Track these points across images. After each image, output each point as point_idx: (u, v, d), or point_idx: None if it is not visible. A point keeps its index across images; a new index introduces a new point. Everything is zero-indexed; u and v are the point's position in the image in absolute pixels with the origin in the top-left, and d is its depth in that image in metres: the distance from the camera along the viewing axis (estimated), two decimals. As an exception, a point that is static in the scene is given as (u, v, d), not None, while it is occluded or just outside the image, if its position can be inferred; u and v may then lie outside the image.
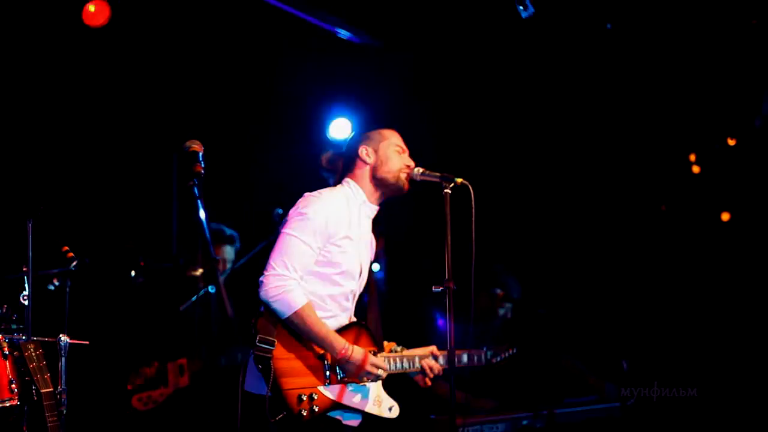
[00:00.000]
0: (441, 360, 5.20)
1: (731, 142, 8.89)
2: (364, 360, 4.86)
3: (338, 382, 4.90)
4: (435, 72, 8.73)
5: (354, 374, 4.88)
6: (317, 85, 8.66)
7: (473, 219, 5.04)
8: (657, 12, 7.90)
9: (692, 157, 8.98)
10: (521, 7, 7.50)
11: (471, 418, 6.50)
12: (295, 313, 4.74)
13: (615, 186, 8.62)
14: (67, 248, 5.68)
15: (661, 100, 8.57)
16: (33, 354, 5.26)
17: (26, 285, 6.43)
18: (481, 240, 5.03)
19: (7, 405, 6.18)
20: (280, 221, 7.84)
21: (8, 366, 6.42)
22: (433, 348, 5.24)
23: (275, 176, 8.52)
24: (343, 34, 8.44)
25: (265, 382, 4.69)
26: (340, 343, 4.84)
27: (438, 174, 5.20)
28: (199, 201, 4.16)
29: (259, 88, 8.47)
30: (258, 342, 4.72)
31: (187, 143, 4.44)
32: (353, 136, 5.40)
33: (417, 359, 5.16)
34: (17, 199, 5.73)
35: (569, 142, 8.79)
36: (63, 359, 6.12)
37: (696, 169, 8.96)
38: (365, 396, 4.99)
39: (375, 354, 5.01)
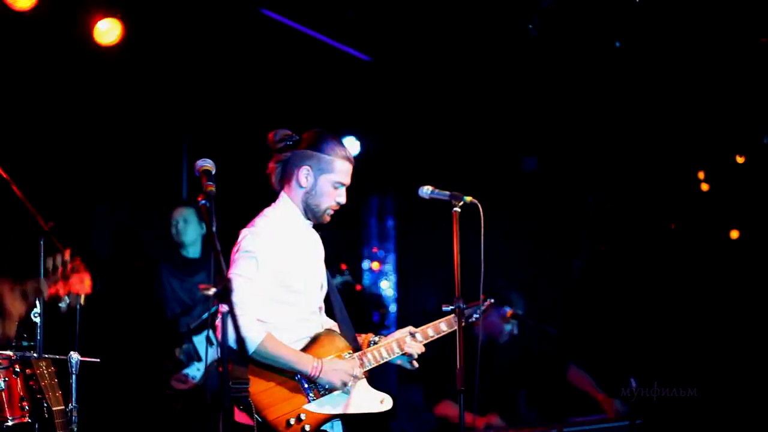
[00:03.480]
0: (419, 336, 5.18)
1: (740, 160, 8.89)
2: (337, 369, 4.87)
3: (321, 396, 4.89)
4: (440, 88, 8.75)
5: (333, 385, 4.87)
6: (326, 101, 8.69)
7: (482, 236, 5.04)
8: (665, 29, 7.91)
9: (701, 175, 8.99)
10: (531, 27, 7.52)
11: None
12: (257, 349, 4.71)
13: (624, 203, 8.62)
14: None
15: (670, 117, 8.58)
16: (44, 371, 5.27)
17: (37, 303, 6.46)
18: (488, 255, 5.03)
19: (18, 422, 6.21)
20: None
21: (19, 384, 6.44)
22: (410, 328, 5.21)
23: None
24: (354, 51, 8.47)
25: (251, 419, 4.70)
26: (308, 362, 4.83)
27: (447, 192, 5.20)
28: (211, 220, 4.14)
29: (266, 104, 8.50)
30: (233, 384, 4.68)
31: (199, 162, 4.43)
32: (310, 142, 5.11)
33: (395, 345, 5.11)
34: (29, 216, 5.73)
35: (578, 159, 8.81)
36: (74, 377, 6.14)
37: (705, 186, 8.96)
38: (354, 398, 4.98)
39: (351, 354, 5.01)
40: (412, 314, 8.86)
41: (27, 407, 6.31)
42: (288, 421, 4.76)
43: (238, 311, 4.49)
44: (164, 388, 7.27)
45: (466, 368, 4.89)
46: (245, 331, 4.63)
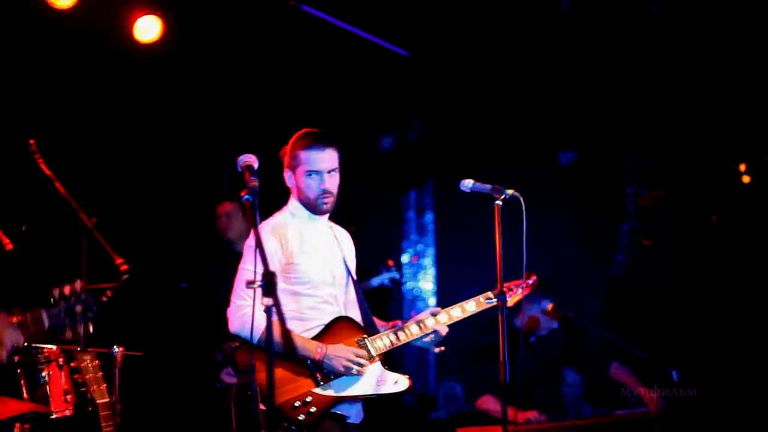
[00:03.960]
0: (443, 318, 5.20)
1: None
2: (340, 355, 4.91)
3: (331, 380, 4.95)
4: (478, 80, 8.73)
5: (336, 370, 4.92)
6: (363, 97, 8.70)
7: (525, 231, 5.04)
8: (706, 20, 7.85)
9: (742, 167, 8.91)
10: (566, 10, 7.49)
11: (518, 427, 6.48)
12: (261, 336, 4.77)
13: (665, 196, 8.57)
14: (121, 260, 5.73)
15: (710, 109, 8.52)
16: (89, 365, 5.31)
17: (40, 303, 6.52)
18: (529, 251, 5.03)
19: (63, 415, 6.28)
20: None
21: (63, 377, 6.52)
22: (432, 309, 5.25)
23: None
24: (391, 46, 8.47)
25: (261, 403, 4.77)
26: (312, 347, 4.91)
27: (489, 186, 5.20)
28: (254, 214, 4.17)
29: (306, 100, 8.52)
30: (240, 371, 4.85)
31: (242, 157, 4.48)
32: (284, 149, 5.35)
33: (414, 326, 5.14)
34: (72, 212, 5.79)
35: (615, 151, 8.76)
36: (117, 370, 6.20)
37: (746, 179, 8.89)
38: (365, 381, 5.02)
39: (362, 340, 5.05)
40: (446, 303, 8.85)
41: (71, 400, 6.40)
42: (294, 404, 4.83)
43: (240, 302, 4.90)
44: (213, 381, 7.31)
45: (506, 362, 4.88)
46: (247, 320, 4.76)
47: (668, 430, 6.82)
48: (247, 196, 4.26)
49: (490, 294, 5.23)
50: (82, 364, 5.37)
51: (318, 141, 5.21)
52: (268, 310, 3.85)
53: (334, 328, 5.06)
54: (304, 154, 5.17)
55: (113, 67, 7.90)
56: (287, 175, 5.27)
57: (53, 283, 6.40)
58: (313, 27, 8.01)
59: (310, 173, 5.17)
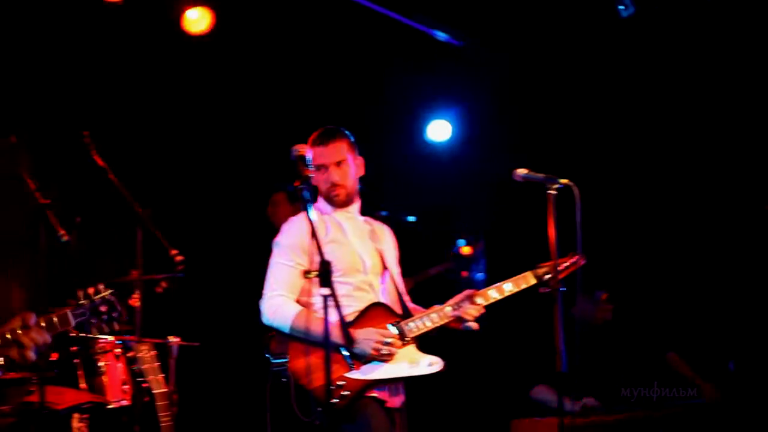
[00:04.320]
0: (480, 300, 5.18)
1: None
2: (368, 338, 4.93)
3: (364, 365, 4.95)
4: (531, 71, 8.68)
5: (365, 352, 4.93)
6: (415, 87, 8.67)
7: (578, 220, 5.00)
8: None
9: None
10: (622, 7, 7.42)
11: (576, 420, 6.43)
12: (291, 323, 4.93)
13: (718, 185, 8.46)
14: (176, 252, 5.77)
15: (764, 96, 8.40)
16: (146, 355, 5.36)
17: (136, 288, 6.58)
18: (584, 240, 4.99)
19: (120, 405, 6.35)
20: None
21: (120, 367, 6.59)
22: (468, 291, 5.21)
23: (374, 179, 8.54)
24: (441, 36, 8.44)
25: (294, 391, 4.86)
26: (340, 333, 4.88)
27: (542, 175, 5.17)
28: (309, 204, 4.21)
29: (358, 91, 8.51)
30: (273, 360, 5.04)
31: (295, 147, 4.51)
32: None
33: (448, 308, 5.15)
34: (128, 203, 5.83)
35: (671, 142, 8.66)
36: (173, 360, 6.25)
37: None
38: (398, 364, 5.01)
39: (396, 324, 5.07)
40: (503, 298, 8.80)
41: (128, 390, 6.47)
42: (328, 388, 4.75)
43: (270, 293, 5.03)
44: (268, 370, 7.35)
45: (563, 352, 4.87)
46: (277, 309, 5.00)
47: (725, 419, 6.74)
48: (301, 186, 4.32)
49: (528, 274, 5.26)
50: (140, 355, 5.41)
51: (320, 137, 5.32)
52: (325, 300, 3.93)
53: (369, 314, 5.09)
54: (310, 152, 5.10)
55: (164, 58, 7.95)
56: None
57: (108, 274, 6.49)
58: (363, 16, 7.99)
59: (318, 168, 5.24)
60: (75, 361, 6.19)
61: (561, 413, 5.00)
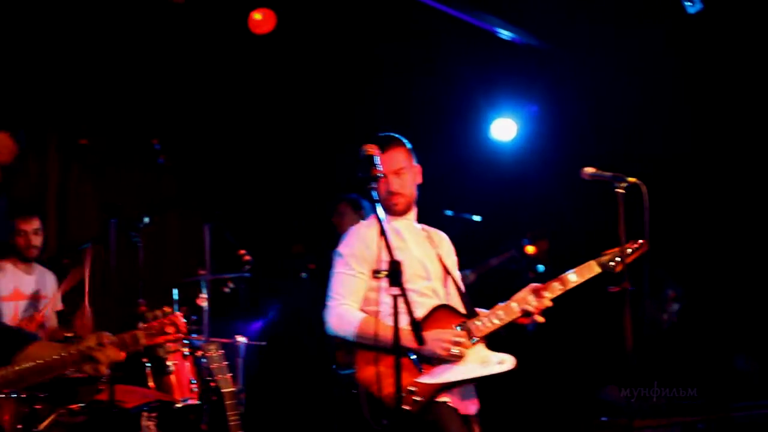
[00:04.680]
0: (546, 294, 5.04)
1: None
2: (438, 338, 4.82)
3: (433, 367, 4.84)
4: (596, 68, 8.61)
5: (437, 354, 4.82)
6: (479, 85, 8.65)
7: (647, 218, 4.95)
8: None
9: None
10: (688, 3, 7.34)
11: (645, 421, 6.37)
12: (356, 330, 4.85)
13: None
14: (243, 252, 5.81)
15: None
16: (214, 354, 5.39)
17: (203, 288, 6.65)
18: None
19: (188, 404, 6.41)
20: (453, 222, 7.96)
21: (188, 366, 6.66)
22: (533, 285, 5.08)
23: (439, 178, 8.54)
24: (505, 35, 8.41)
25: (364, 401, 4.75)
26: (411, 336, 4.69)
27: (609, 173, 5.12)
28: (377, 203, 4.20)
29: (423, 91, 8.51)
30: (340, 371, 4.89)
31: (364, 147, 4.48)
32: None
33: (514, 304, 5.01)
34: (195, 205, 5.89)
35: (742, 138, 8.54)
36: (240, 360, 6.29)
37: None
38: (468, 365, 4.89)
39: (463, 324, 4.95)
40: (568, 296, 8.75)
41: (196, 389, 6.52)
42: (399, 395, 4.60)
43: (334, 302, 4.93)
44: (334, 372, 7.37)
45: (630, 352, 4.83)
46: (341, 318, 4.91)
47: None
48: (368, 186, 4.34)
49: (592, 263, 5.17)
50: (208, 354, 5.44)
51: (379, 145, 5.01)
52: (395, 299, 3.88)
53: (435, 316, 4.98)
54: (378, 152, 5.08)
55: (231, 60, 8.01)
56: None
57: (177, 274, 6.56)
58: (428, 16, 7.99)
59: (377, 176, 5.02)
60: (143, 360, 6.26)
61: (631, 414, 4.96)
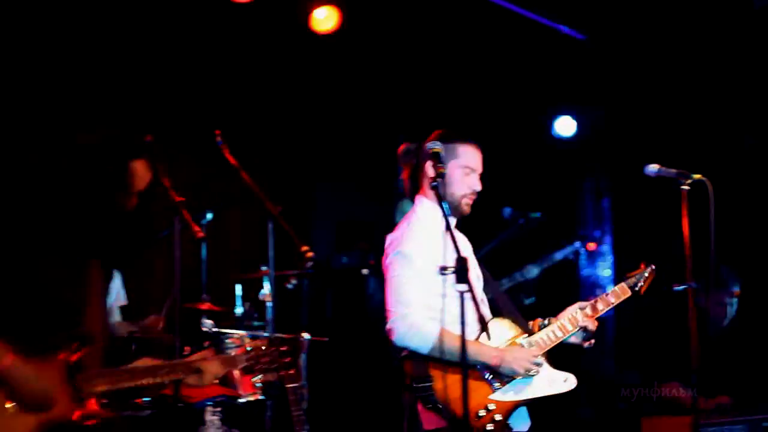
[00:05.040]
0: (589, 311, 4.98)
1: None
2: (518, 357, 4.71)
3: (506, 383, 4.74)
4: (660, 64, 8.53)
5: (516, 373, 4.72)
6: (541, 82, 8.62)
7: (712, 216, 4.91)
8: None
9: None
10: None
11: (710, 418, 6.31)
12: (433, 345, 4.60)
13: None
14: (306, 248, 5.82)
15: None
16: (277, 350, 5.39)
17: (267, 284, 6.68)
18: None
19: (252, 399, 6.45)
20: (510, 220, 7.94)
21: (251, 362, 6.70)
22: (579, 303, 5.02)
23: (500, 175, 8.52)
24: (567, 30, 8.37)
25: (440, 416, 4.57)
26: (488, 352, 4.70)
27: (674, 170, 5.09)
28: (444, 202, 4.17)
29: (484, 87, 8.49)
30: (415, 384, 4.61)
31: (428, 144, 4.45)
32: (430, 140, 4.89)
33: (567, 323, 4.92)
34: (259, 200, 5.92)
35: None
36: (303, 355, 6.32)
37: None
38: (538, 382, 4.81)
39: (526, 338, 4.86)
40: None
41: (259, 385, 6.56)
42: (477, 413, 4.64)
43: (404, 310, 4.63)
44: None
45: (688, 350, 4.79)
46: (418, 330, 4.63)
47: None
48: (434, 183, 4.25)
49: (623, 285, 5.12)
50: (271, 349, 5.44)
51: (475, 141, 5.00)
52: (461, 296, 3.81)
53: (493, 330, 4.83)
54: (463, 148, 4.93)
55: (292, 57, 8.05)
56: (428, 164, 4.85)
57: (240, 271, 6.59)
58: (487, 12, 7.97)
59: (466, 170, 4.93)
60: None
61: (695, 412, 4.92)
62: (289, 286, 7.07)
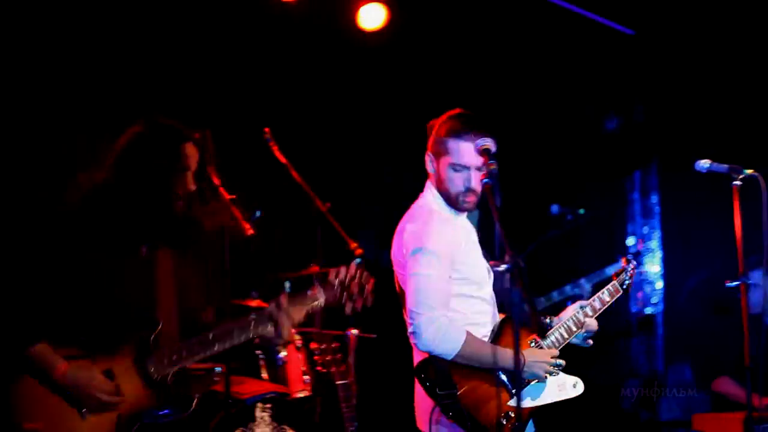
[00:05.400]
0: (589, 311, 4.86)
1: None
2: (539, 360, 4.58)
3: (522, 388, 4.62)
4: (707, 58, 8.47)
5: (537, 376, 4.61)
6: (588, 77, 8.58)
7: (765, 211, 4.86)
8: None
9: None
10: None
11: (764, 415, 6.25)
12: (460, 350, 4.43)
13: None
14: (355, 245, 5.83)
15: None
16: (328, 347, 5.43)
17: (315, 281, 6.70)
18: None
19: (301, 396, 6.47)
20: (559, 216, 7.91)
21: (301, 358, 6.72)
22: (580, 302, 4.91)
23: (548, 170, 8.51)
24: (618, 26, 8.32)
25: (461, 426, 4.41)
26: (510, 357, 4.52)
27: (726, 165, 5.05)
28: (494, 197, 4.06)
29: (532, 83, 8.47)
30: (439, 391, 4.42)
31: (479, 140, 4.37)
32: (432, 126, 4.89)
33: (572, 324, 4.79)
34: (308, 198, 5.94)
35: None
36: (352, 352, 6.33)
37: None
38: (551, 387, 4.67)
39: (543, 337, 4.72)
40: (679, 291, 8.65)
41: (309, 381, 6.59)
42: (500, 421, 4.47)
43: (431, 314, 4.42)
44: None
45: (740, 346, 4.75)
46: (445, 333, 4.44)
47: None
48: (486, 180, 4.16)
49: (615, 283, 5.02)
50: (322, 346, 5.47)
51: (471, 130, 4.65)
52: (513, 295, 3.74)
53: (505, 331, 4.70)
54: (453, 144, 4.67)
55: (340, 55, 8.07)
56: (427, 157, 4.82)
57: (289, 268, 6.62)
58: (536, 7, 7.95)
59: (455, 167, 4.67)
60: (257, 352, 6.33)
61: (748, 408, 4.88)
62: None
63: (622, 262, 5.12)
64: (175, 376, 3.98)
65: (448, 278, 4.53)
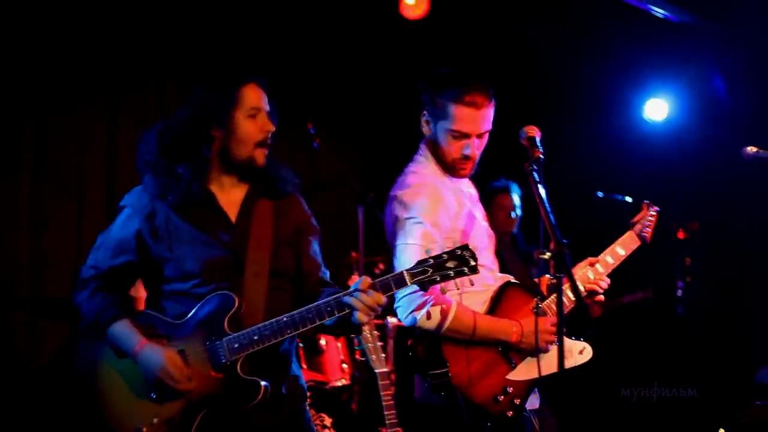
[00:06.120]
0: (600, 268, 4.53)
1: None
2: (542, 331, 4.25)
3: (523, 359, 4.32)
4: (755, 47, 8.34)
5: (542, 346, 4.25)
6: (632, 64, 8.49)
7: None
8: None
9: None
10: None
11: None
12: (450, 323, 4.17)
13: None
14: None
15: None
16: (368, 335, 5.39)
17: (355, 270, 6.71)
18: None
19: (339, 384, 6.49)
20: (602, 205, 7.81)
21: (340, 347, 6.73)
22: (589, 259, 4.57)
23: (590, 159, 8.44)
24: (658, 12, 8.21)
25: (461, 403, 4.17)
26: (508, 328, 4.28)
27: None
28: (540, 185, 3.86)
29: (573, 70, 8.40)
30: (429, 371, 4.17)
31: (524, 128, 4.19)
32: (426, 83, 4.59)
33: (580, 284, 4.42)
34: (350, 186, 5.94)
35: None
36: (391, 341, 6.32)
37: None
38: (551, 355, 4.25)
39: (539, 303, 4.38)
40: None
41: (347, 370, 6.60)
42: (495, 398, 4.24)
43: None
44: None
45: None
46: (430, 305, 4.16)
47: None
48: (532, 167, 3.95)
49: (631, 233, 4.65)
50: (363, 334, 5.41)
51: (475, 95, 4.42)
52: (557, 288, 3.51)
53: (505, 297, 4.43)
54: (454, 109, 4.41)
55: (381, 43, 8.06)
56: (423, 117, 4.55)
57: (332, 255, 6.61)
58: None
59: (454, 134, 4.43)
60: (296, 341, 6.33)
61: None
62: (378, 271, 7.09)
63: (643, 208, 4.76)
64: (245, 363, 3.74)
65: (437, 248, 4.11)
